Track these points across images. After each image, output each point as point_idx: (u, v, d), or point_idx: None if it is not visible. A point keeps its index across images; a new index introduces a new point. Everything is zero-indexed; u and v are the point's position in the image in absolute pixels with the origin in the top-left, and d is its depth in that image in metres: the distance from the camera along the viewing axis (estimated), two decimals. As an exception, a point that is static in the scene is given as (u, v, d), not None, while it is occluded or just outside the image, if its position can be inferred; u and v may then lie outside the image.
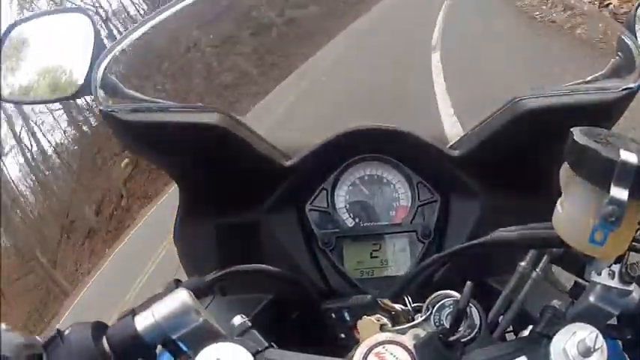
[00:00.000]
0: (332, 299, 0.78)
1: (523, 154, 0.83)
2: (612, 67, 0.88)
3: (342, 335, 0.73)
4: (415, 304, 0.67)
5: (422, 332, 0.58)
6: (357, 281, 0.89)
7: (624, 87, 0.80)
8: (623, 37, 0.83)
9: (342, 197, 0.92)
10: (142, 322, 0.57)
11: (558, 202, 0.53)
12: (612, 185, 0.46)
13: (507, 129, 0.83)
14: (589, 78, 0.90)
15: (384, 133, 0.90)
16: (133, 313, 0.59)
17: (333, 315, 0.75)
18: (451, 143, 0.91)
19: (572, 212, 0.51)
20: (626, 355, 0.63)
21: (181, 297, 0.58)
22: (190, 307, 0.57)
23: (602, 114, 0.81)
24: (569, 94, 0.84)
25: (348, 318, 0.72)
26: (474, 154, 0.86)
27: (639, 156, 0.46)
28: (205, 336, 0.57)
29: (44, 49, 0.95)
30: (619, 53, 0.85)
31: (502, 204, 0.84)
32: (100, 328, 0.58)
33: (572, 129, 0.50)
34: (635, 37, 0.84)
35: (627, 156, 0.46)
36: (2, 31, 0.90)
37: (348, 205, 0.92)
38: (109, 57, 0.81)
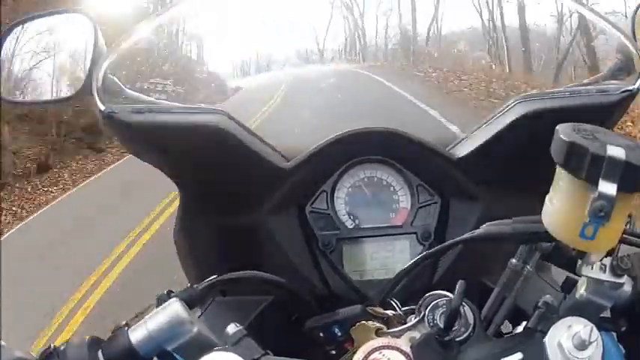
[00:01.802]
0: (316, 317, 0.74)
1: (523, 156, 0.83)
2: (612, 69, 0.88)
3: (333, 352, 0.72)
4: (406, 307, 0.67)
5: (417, 334, 0.58)
6: (357, 283, 0.89)
7: (624, 89, 0.81)
8: (622, 39, 0.84)
9: (342, 199, 0.92)
10: (137, 335, 0.57)
11: (547, 198, 0.53)
12: (601, 180, 0.46)
13: (507, 131, 0.83)
14: (589, 80, 0.90)
15: (383, 136, 0.90)
16: (127, 326, 0.58)
17: (322, 334, 0.72)
18: (451, 145, 0.92)
19: (561, 208, 0.51)
20: (621, 347, 0.63)
21: (174, 308, 0.57)
22: (183, 318, 0.57)
23: (602, 115, 0.82)
24: (569, 96, 0.85)
25: (338, 333, 0.70)
26: (474, 156, 0.87)
27: (626, 150, 0.46)
28: (200, 346, 0.56)
29: (45, 49, 0.95)
30: (618, 55, 0.86)
31: (502, 206, 0.83)
32: (95, 343, 0.57)
33: (557, 126, 0.50)
34: (635, 39, 0.84)
35: (614, 151, 0.46)
36: (2, 32, 0.91)
37: (348, 207, 0.92)
38: (110, 58, 0.81)
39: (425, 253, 0.72)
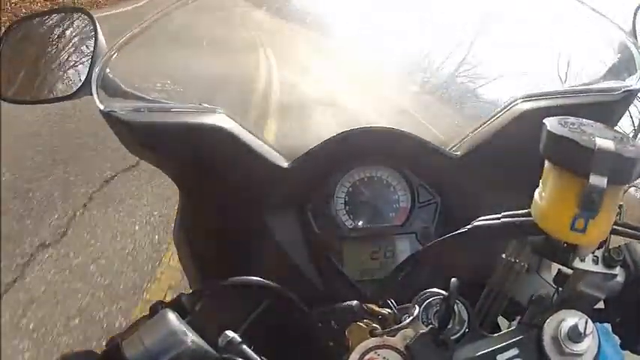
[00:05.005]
0: (317, 307, 0.76)
1: (524, 156, 0.83)
2: (613, 68, 0.88)
3: (331, 343, 0.72)
4: (401, 305, 0.66)
5: (412, 333, 0.58)
6: (357, 283, 0.88)
7: (625, 88, 0.81)
8: (623, 38, 0.84)
9: (342, 199, 0.91)
10: (130, 348, 0.56)
11: (536, 192, 0.53)
12: (591, 173, 0.46)
13: (508, 130, 0.83)
14: (590, 79, 0.90)
15: (383, 135, 0.89)
16: (121, 339, 0.57)
17: (320, 324, 0.74)
18: (452, 144, 0.91)
19: (551, 202, 0.50)
20: (617, 337, 0.64)
21: (167, 320, 0.57)
22: (177, 329, 0.56)
23: (603, 114, 0.82)
24: (570, 95, 0.85)
25: (335, 326, 0.71)
26: (474, 156, 0.86)
27: (615, 142, 0.46)
28: (195, 356, 0.56)
29: (45, 48, 0.96)
30: (619, 54, 0.86)
31: (503, 205, 0.84)
32: (88, 358, 0.56)
33: (544, 120, 0.50)
34: (636, 38, 0.84)
35: (603, 143, 0.46)
36: (2, 31, 0.91)
37: (348, 207, 0.91)
38: (110, 56, 0.81)
39: (415, 251, 0.72)
